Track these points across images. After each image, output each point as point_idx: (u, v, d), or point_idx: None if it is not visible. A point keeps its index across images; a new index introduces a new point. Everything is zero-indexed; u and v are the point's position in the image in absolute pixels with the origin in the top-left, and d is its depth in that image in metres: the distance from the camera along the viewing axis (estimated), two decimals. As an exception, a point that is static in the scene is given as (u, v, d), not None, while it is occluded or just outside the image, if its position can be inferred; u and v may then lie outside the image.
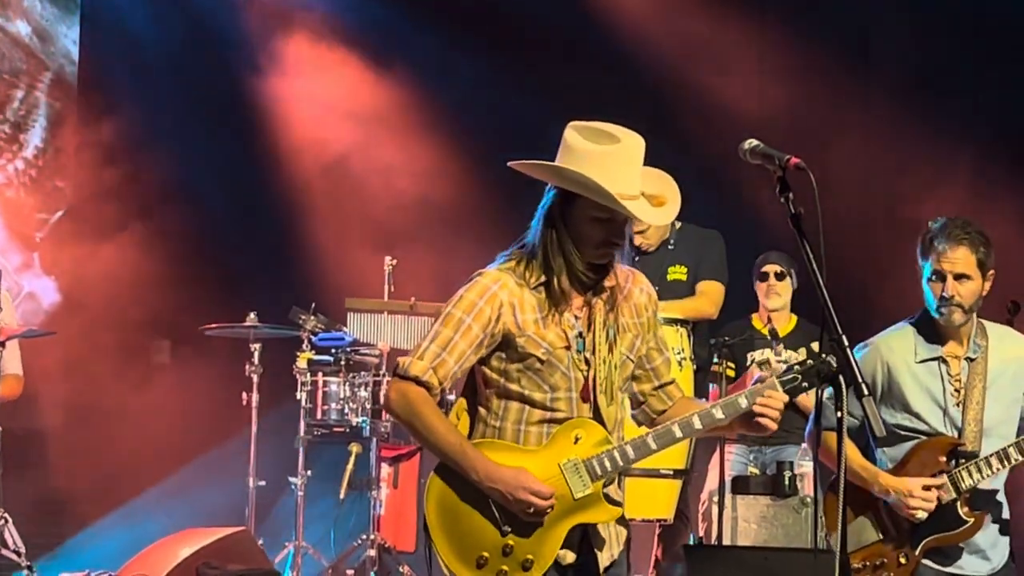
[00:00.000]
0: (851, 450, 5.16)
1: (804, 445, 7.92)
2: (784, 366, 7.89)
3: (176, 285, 10.18)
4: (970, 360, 5.17)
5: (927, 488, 5.04)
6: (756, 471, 7.91)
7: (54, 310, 10.55)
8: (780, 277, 8.10)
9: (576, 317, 4.19)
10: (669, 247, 7.76)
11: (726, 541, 7.31)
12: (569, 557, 4.16)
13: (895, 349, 5.21)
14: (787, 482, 7.44)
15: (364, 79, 10.47)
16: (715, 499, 7.45)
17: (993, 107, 9.64)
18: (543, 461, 4.10)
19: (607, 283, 4.22)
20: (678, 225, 7.77)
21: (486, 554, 4.08)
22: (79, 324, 10.13)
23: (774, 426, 4.15)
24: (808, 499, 7.38)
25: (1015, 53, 9.55)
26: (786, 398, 4.13)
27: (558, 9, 10.22)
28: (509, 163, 4.25)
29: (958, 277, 5.07)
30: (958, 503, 5.07)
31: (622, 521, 4.30)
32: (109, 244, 10.50)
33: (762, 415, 4.13)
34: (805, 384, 4.12)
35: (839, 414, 3.85)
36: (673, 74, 9.84)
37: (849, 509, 5.16)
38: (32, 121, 10.81)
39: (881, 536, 5.13)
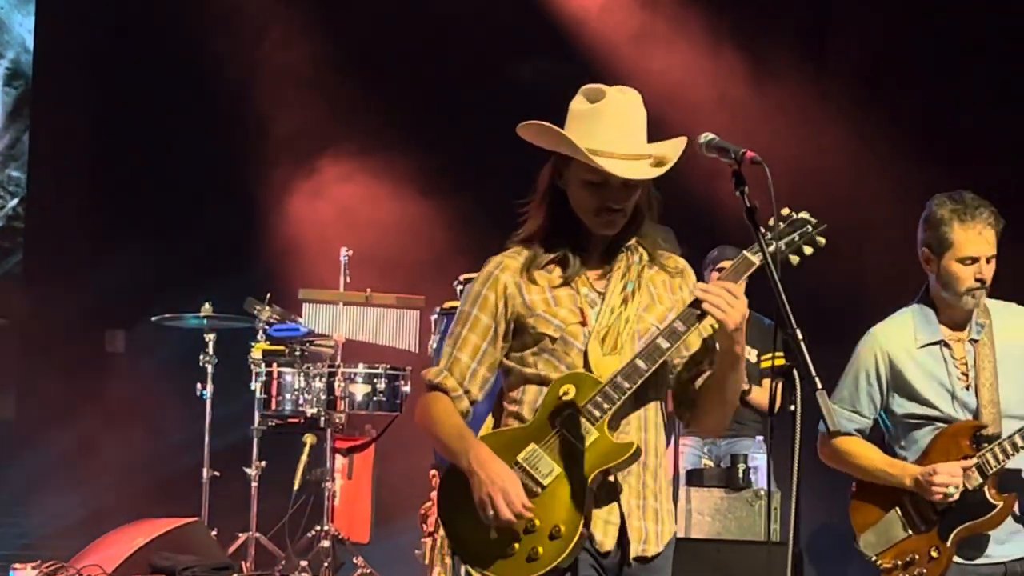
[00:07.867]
0: (874, 451, 4.98)
1: (758, 438, 7.96)
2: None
3: (131, 274, 10.12)
4: (974, 341, 4.91)
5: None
6: (710, 464, 7.93)
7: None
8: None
9: (598, 292, 3.92)
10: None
11: (680, 534, 7.29)
12: (608, 544, 3.87)
13: (893, 337, 4.96)
14: (741, 475, 7.44)
15: (330, 63, 10.39)
16: (669, 492, 7.46)
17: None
18: (540, 426, 3.85)
19: (627, 255, 3.96)
20: None
21: (516, 544, 3.80)
22: (33, 311, 10.07)
23: (724, 316, 3.80)
24: (762, 492, 7.40)
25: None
26: (730, 284, 3.84)
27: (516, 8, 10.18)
28: (520, 126, 3.93)
29: (990, 259, 4.82)
30: (985, 487, 4.80)
31: (667, 520, 4.02)
32: (65, 232, 10.44)
33: (706, 301, 3.79)
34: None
35: (792, 408, 3.79)
36: (625, 65, 9.81)
37: (875, 508, 4.95)
38: (-13, 110, 10.75)
39: (910, 532, 4.89)
